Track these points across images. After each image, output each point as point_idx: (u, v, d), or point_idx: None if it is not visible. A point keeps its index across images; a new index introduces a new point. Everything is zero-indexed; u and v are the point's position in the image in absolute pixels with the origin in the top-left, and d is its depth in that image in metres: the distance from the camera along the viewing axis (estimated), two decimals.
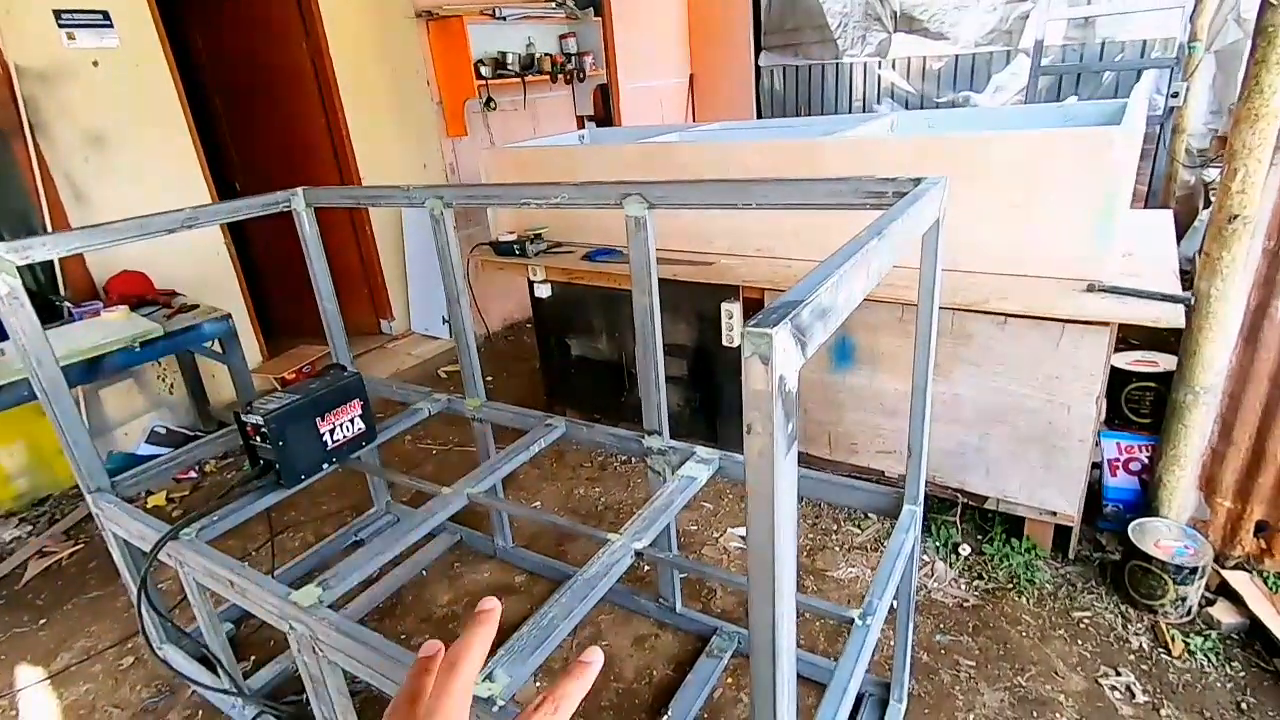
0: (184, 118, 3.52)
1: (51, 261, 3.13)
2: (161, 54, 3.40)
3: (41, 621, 2.49)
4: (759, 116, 6.29)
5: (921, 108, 5.54)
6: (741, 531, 2.57)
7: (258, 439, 1.81)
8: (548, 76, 4.59)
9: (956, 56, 5.34)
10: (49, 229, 3.06)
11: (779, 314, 0.63)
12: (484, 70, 4.15)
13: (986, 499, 2.30)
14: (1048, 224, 2.05)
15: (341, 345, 2.49)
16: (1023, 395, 2.10)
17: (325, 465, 1.93)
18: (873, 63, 5.68)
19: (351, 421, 1.99)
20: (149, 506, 3.18)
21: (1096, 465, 2.34)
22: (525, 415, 2.14)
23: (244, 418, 1.81)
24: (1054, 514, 2.20)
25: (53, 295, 3.16)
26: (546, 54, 4.59)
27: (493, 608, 0.45)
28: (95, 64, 3.19)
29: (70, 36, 3.10)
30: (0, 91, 2.92)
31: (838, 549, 2.44)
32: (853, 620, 1.27)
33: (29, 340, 1.71)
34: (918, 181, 1.27)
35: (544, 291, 3.02)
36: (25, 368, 1.74)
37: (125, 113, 3.30)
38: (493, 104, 4.32)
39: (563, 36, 4.71)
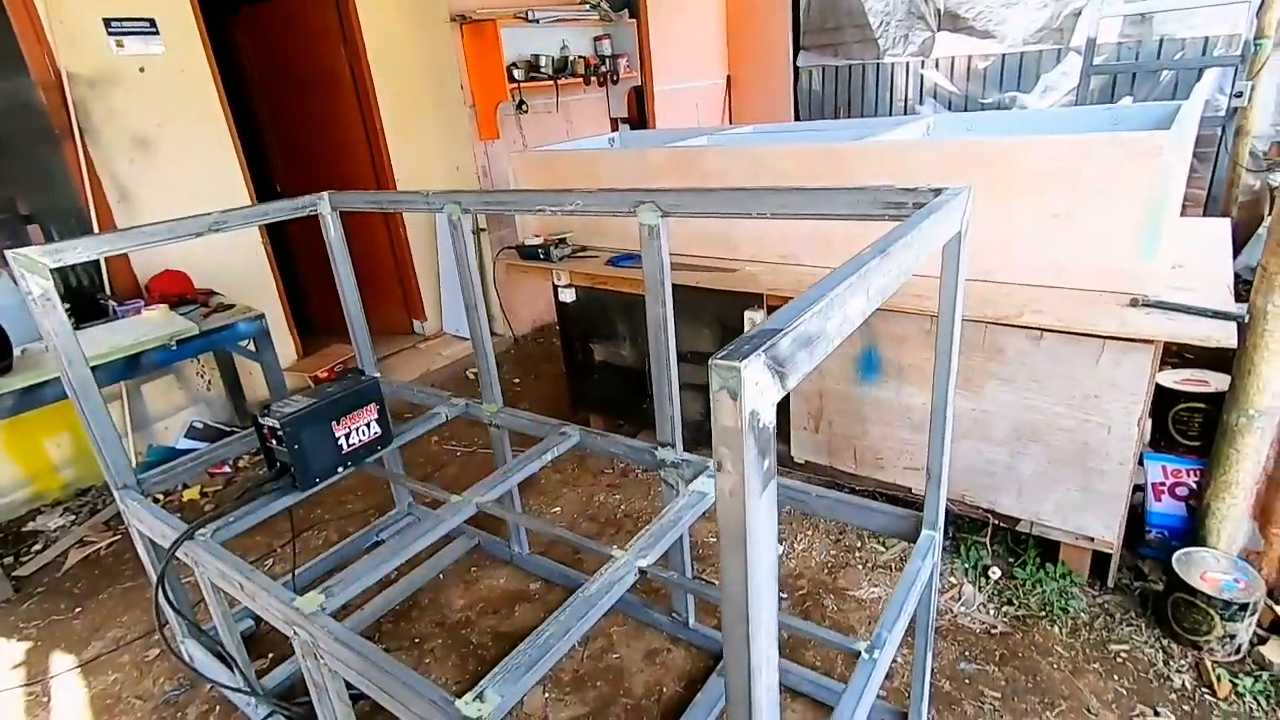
0: (225, 121, 3.61)
1: (98, 261, 3.25)
2: (205, 60, 3.49)
3: (77, 610, 2.57)
4: (797, 118, 6.19)
5: (966, 109, 5.37)
6: None
7: (274, 442, 1.83)
8: (581, 79, 4.58)
9: (1004, 56, 5.16)
10: (95, 227, 3.18)
11: (752, 344, 0.59)
12: (516, 73, 4.16)
13: (1019, 521, 2.19)
14: (1089, 234, 1.95)
15: (365, 348, 2.51)
16: (1058, 414, 1.99)
17: (340, 469, 1.94)
18: (915, 63, 5.53)
19: (368, 425, 2.00)
20: (185, 500, 3.27)
21: (1139, 488, 2.21)
22: (541, 423, 2.12)
23: (261, 420, 1.83)
24: (1091, 539, 2.08)
25: (98, 293, 3.28)
26: (580, 56, 4.58)
27: None
28: (142, 70, 3.30)
29: (119, 44, 3.21)
30: (52, 97, 3.04)
31: (860, 567, 2.36)
32: (859, 653, 1.21)
33: (60, 340, 1.75)
34: (939, 192, 1.20)
35: (568, 296, 3.00)
36: (57, 367, 1.79)
37: (169, 116, 3.40)
38: (525, 107, 4.33)
39: (597, 39, 4.70)
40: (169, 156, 3.43)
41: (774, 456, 0.63)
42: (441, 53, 4.12)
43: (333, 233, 2.34)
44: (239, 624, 2.26)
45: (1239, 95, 3.91)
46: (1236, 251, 3.83)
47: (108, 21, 3.16)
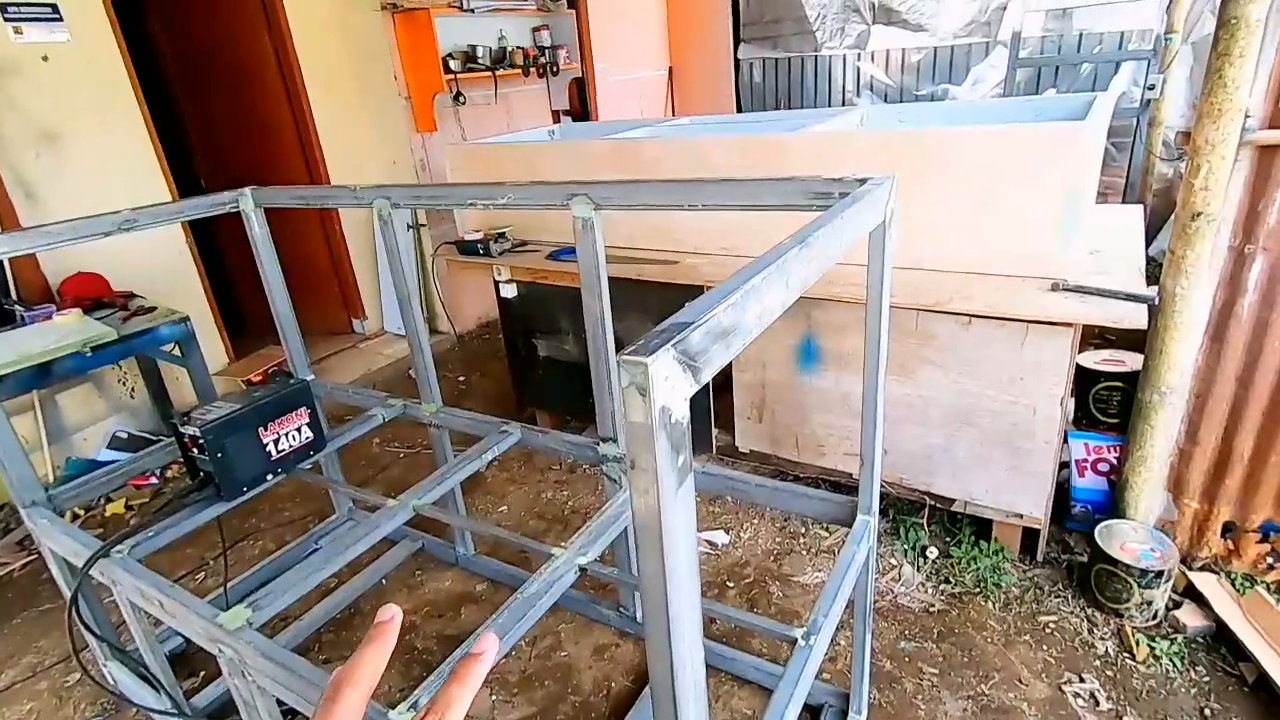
0: (141, 113, 3.42)
1: (1, 263, 3.04)
2: (115, 48, 3.29)
3: (12, 622, 2.42)
4: (739, 109, 6.23)
5: (901, 100, 5.50)
6: (709, 535, 2.53)
7: (195, 451, 1.74)
8: (520, 70, 4.50)
9: (935, 49, 5.30)
10: None
11: (661, 338, 0.58)
12: (453, 64, 4.06)
13: (954, 501, 2.26)
14: (1012, 221, 2.01)
15: (297, 350, 2.42)
16: (988, 397, 2.06)
17: (270, 476, 1.86)
18: (852, 55, 5.63)
19: (298, 430, 1.92)
20: (108, 514, 3.10)
21: (1065, 465, 2.31)
22: (480, 421, 2.08)
23: (181, 429, 1.74)
24: (1021, 516, 2.16)
25: (2, 298, 3.07)
26: (519, 47, 4.51)
27: (390, 618, 0.41)
28: (45, 59, 3.09)
29: (17, 31, 3.00)
30: None
31: (805, 553, 2.40)
32: (795, 640, 1.23)
33: None
34: (864, 181, 1.22)
35: (510, 291, 2.96)
36: None
37: (78, 108, 3.20)
38: (462, 99, 4.23)
39: (536, 29, 4.62)
40: (80, 152, 3.23)
41: (689, 452, 0.62)
42: (373, 42, 3.99)
43: (257, 230, 2.24)
44: (167, 642, 2.16)
45: (1151, 88, 4.10)
46: (1151, 237, 4.03)
47: (3, 7, 2.95)
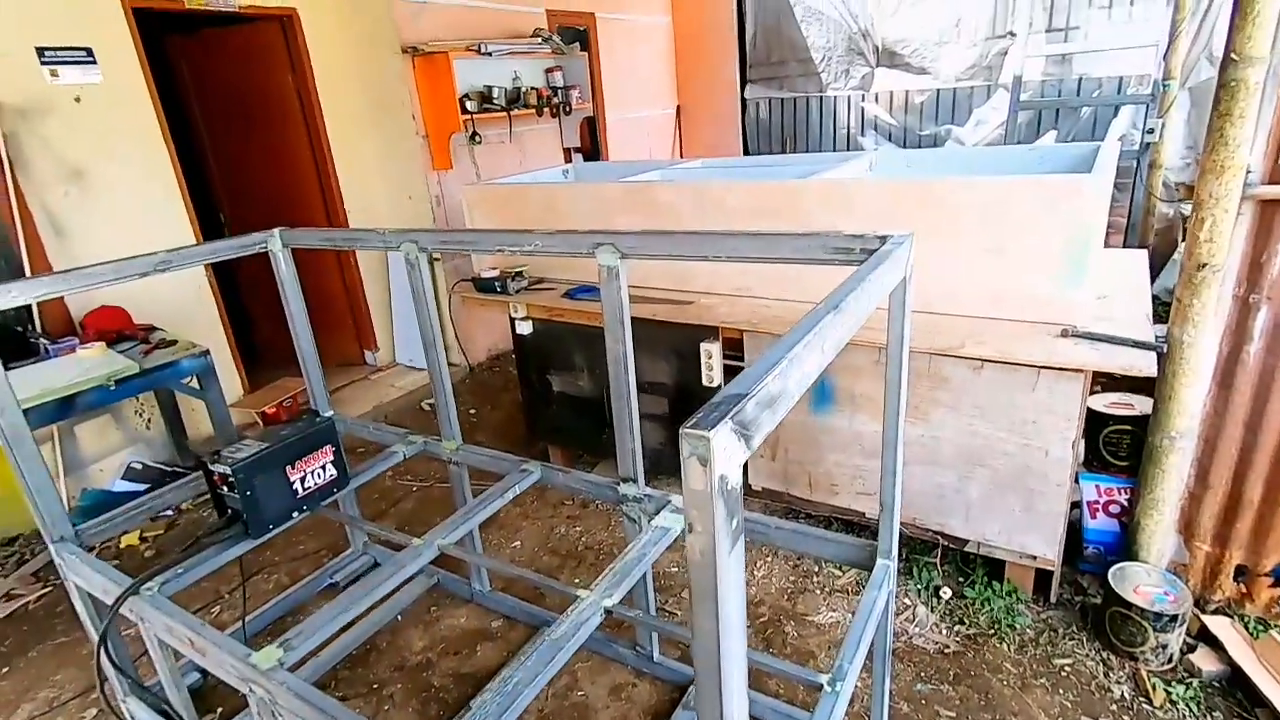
0: (167, 151, 3.51)
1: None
2: (145, 89, 3.40)
3: (4, 670, 2.42)
4: (745, 147, 6.37)
5: (905, 140, 5.62)
6: None
7: (225, 488, 1.78)
8: (534, 110, 4.62)
9: (938, 90, 5.43)
10: (26, 263, 3.04)
11: (720, 412, 0.62)
12: (469, 104, 4.18)
13: (967, 542, 2.28)
14: (1021, 269, 2.07)
15: (319, 386, 2.47)
16: (1000, 439, 2.09)
17: (295, 514, 1.90)
18: (856, 96, 5.77)
19: (323, 468, 1.96)
20: (122, 546, 3.12)
21: (1076, 506, 2.33)
22: (500, 459, 2.11)
23: (211, 466, 1.78)
24: (1034, 558, 2.18)
25: (28, 331, 3.12)
26: (533, 88, 4.63)
27: None
28: (77, 99, 3.19)
29: (53, 73, 3.10)
30: None
31: (819, 592, 2.41)
32: (821, 685, 1.25)
33: None
34: (884, 239, 1.27)
35: (525, 328, 3.01)
36: None
37: (107, 147, 3.30)
38: (478, 138, 4.34)
39: (549, 70, 4.76)
40: (107, 189, 3.31)
41: (741, 515, 0.66)
42: (393, 83, 4.11)
43: (284, 270, 2.30)
44: (185, 678, 2.17)
45: (1150, 131, 4.21)
46: (1154, 275, 4.09)
47: (41, 50, 3.06)
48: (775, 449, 2.54)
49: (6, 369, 3.00)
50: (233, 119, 4.35)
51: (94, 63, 3.22)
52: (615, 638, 2.22)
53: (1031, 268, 2.06)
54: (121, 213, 3.36)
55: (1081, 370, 1.89)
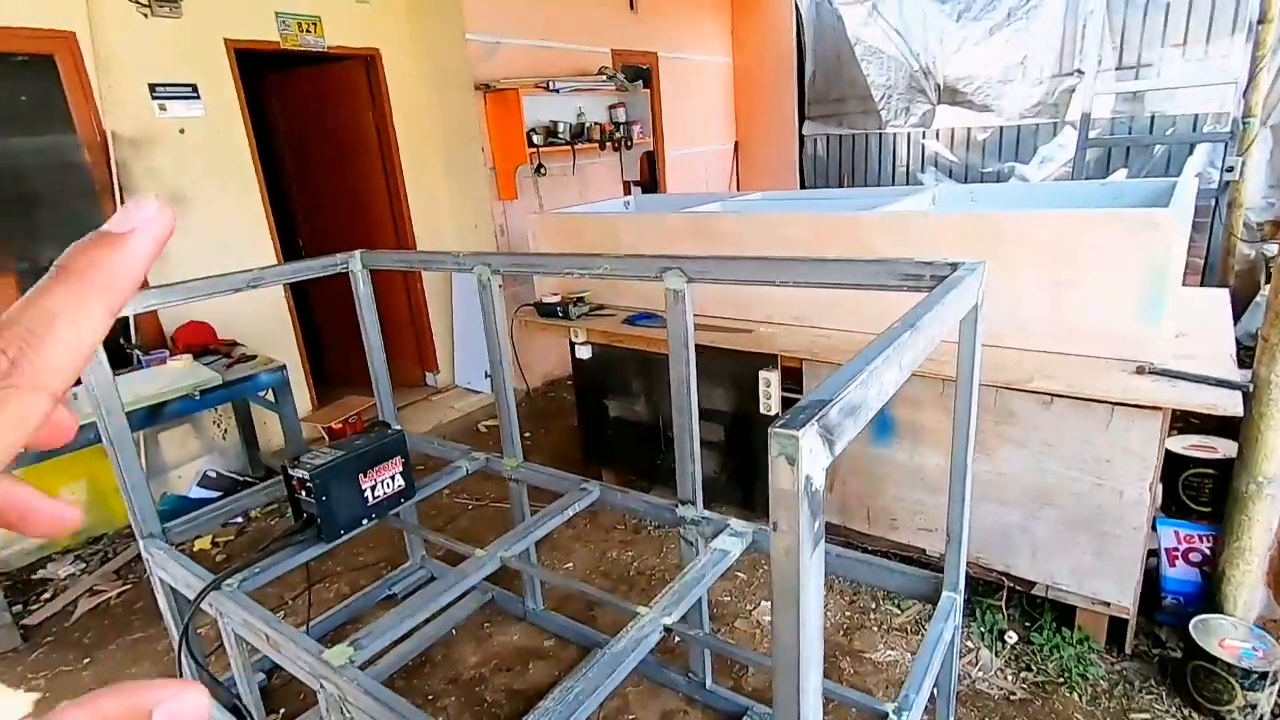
0: (257, 179, 3.76)
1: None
2: (241, 122, 3.67)
3: (85, 661, 2.56)
4: (802, 183, 6.40)
5: (966, 177, 5.56)
6: None
7: (303, 493, 1.86)
8: (597, 144, 4.77)
9: (1001, 128, 5.38)
10: None
11: (807, 414, 0.64)
12: (535, 138, 4.35)
13: (1034, 584, 2.20)
14: (1094, 303, 2.03)
15: (388, 402, 2.57)
16: (1071, 477, 2.03)
17: (365, 520, 1.97)
18: (916, 133, 5.76)
19: (392, 478, 2.03)
20: (194, 550, 3.27)
21: (1154, 553, 2.23)
22: (561, 478, 2.15)
23: (291, 471, 1.87)
24: (1107, 604, 2.09)
25: (124, 342, 3.36)
26: (596, 123, 4.79)
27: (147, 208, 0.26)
28: (182, 131, 3.46)
29: (162, 107, 3.38)
30: (95, 156, 3.18)
31: (876, 629, 2.35)
32: (887, 714, 1.23)
33: (100, 391, 1.81)
34: (955, 266, 1.28)
35: (585, 353, 3.08)
36: (95, 415, 1.84)
37: (204, 174, 3.55)
38: (543, 170, 4.50)
39: (612, 107, 4.92)
40: (202, 213, 3.56)
41: (822, 518, 0.68)
42: (465, 118, 4.32)
43: (362, 290, 2.42)
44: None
45: (1230, 170, 4.07)
46: (1235, 318, 3.91)
47: (153, 86, 3.34)
48: (833, 480, 2.52)
49: None
50: (315, 149, 4.63)
51: (198, 98, 3.49)
52: (667, 663, 2.20)
53: (1106, 302, 2.02)
54: (213, 235, 3.60)
55: (1159, 408, 1.83)
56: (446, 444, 2.48)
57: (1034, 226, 2.09)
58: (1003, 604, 2.29)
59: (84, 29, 3.08)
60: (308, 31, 3.86)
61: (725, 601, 2.55)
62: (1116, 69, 4.85)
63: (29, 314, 0.23)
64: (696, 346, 2.37)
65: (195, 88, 3.49)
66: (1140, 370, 1.93)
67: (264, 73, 4.52)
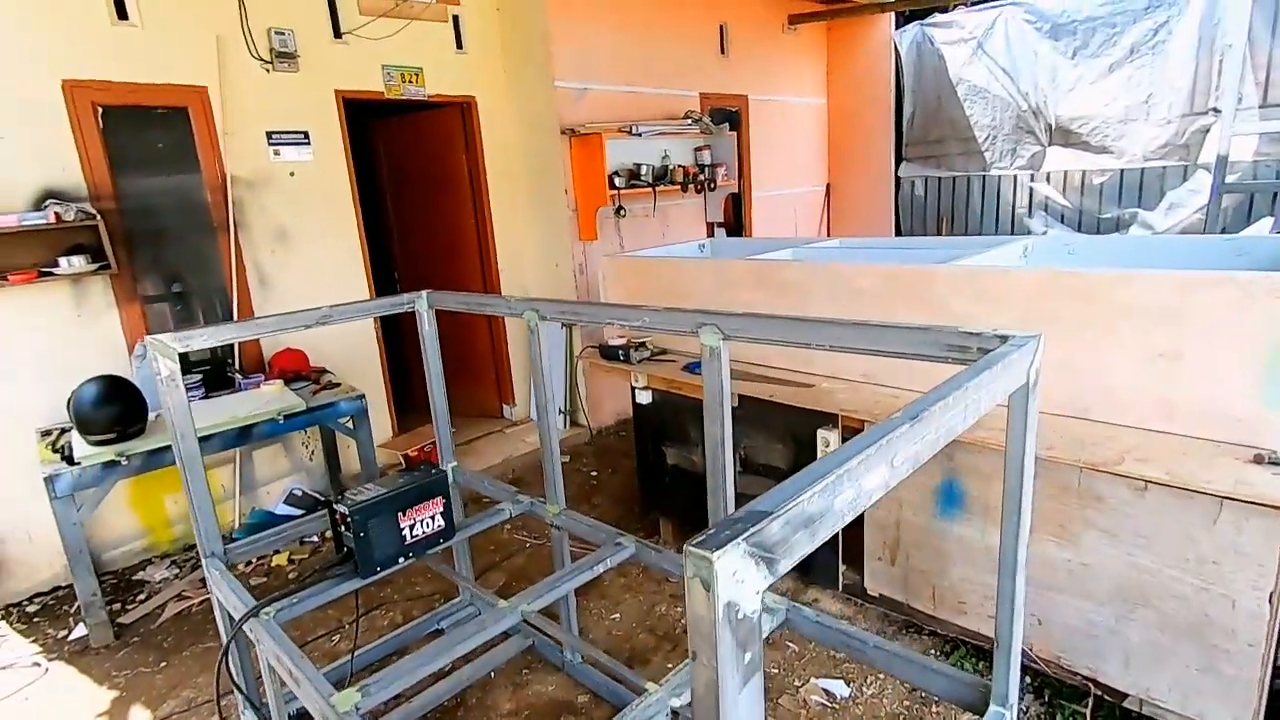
0: (355, 218, 4.03)
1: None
2: (345, 167, 3.95)
3: (162, 664, 2.73)
4: (898, 227, 6.15)
5: (1080, 223, 5.15)
6: (827, 684, 2.32)
7: (344, 528, 1.91)
8: (679, 186, 4.79)
9: (1122, 171, 4.95)
10: (235, 307, 3.58)
11: (734, 530, 0.57)
12: (618, 181, 4.42)
13: (1126, 696, 1.91)
14: (1200, 377, 1.77)
15: (446, 439, 2.62)
16: (1171, 577, 1.76)
17: (401, 559, 2.00)
18: (1024, 176, 5.40)
19: (432, 518, 2.06)
20: (273, 565, 3.45)
21: None
22: (598, 529, 2.11)
23: (335, 506, 1.93)
24: None
25: (228, 366, 3.64)
26: (680, 165, 4.81)
27: None
28: (292, 174, 3.77)
29: (276, 152, 3.70)
30: (215, 196, 3.51)
31: None
32: None
33: (177, 416, 1.95)
34: (1006, 339, 1.14)
35: (645, 398, 3.03)
36: (170, 438, 1.98)
37: (308, 213, 3.84)
38: (623, 211, 4.56)
39: (697, 149, 4.93)
40: (303, 248, 3.84)
41: (759, 648, 0.59)
42: (551, 161, 4.46)
43: (427, 329, 2.50)
44: (293, 703, 2.31)
45: None
46: None
47: (270, 134, 3.66)
48: (895, 553, 2.32)
49: (208, 396, 3.46)
50: (414, 190, 4.92)
51: (308, 143, 3.79)
52: None
53: (1217, 378, 1.76)
54: (314, 268, 3.88)
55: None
56: (497, 484, 2.49)
57: (1131, 288, 1.87)
58: (1088, 713, 2.01)
59: (214, 84, 3.43)
60: (410, 82, 4.13)
61: (771, 674, 2.39)
62: (1261, 107, 4.37)
63: None
64: (754, 400, 2.28)
65: (307, 134, 3.80)
66: (1258, 459, 1.66)
67: (373, 119, 4.88)
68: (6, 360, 3.07)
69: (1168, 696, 1.84)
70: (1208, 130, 4.54)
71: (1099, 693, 1.96)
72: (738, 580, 0.56)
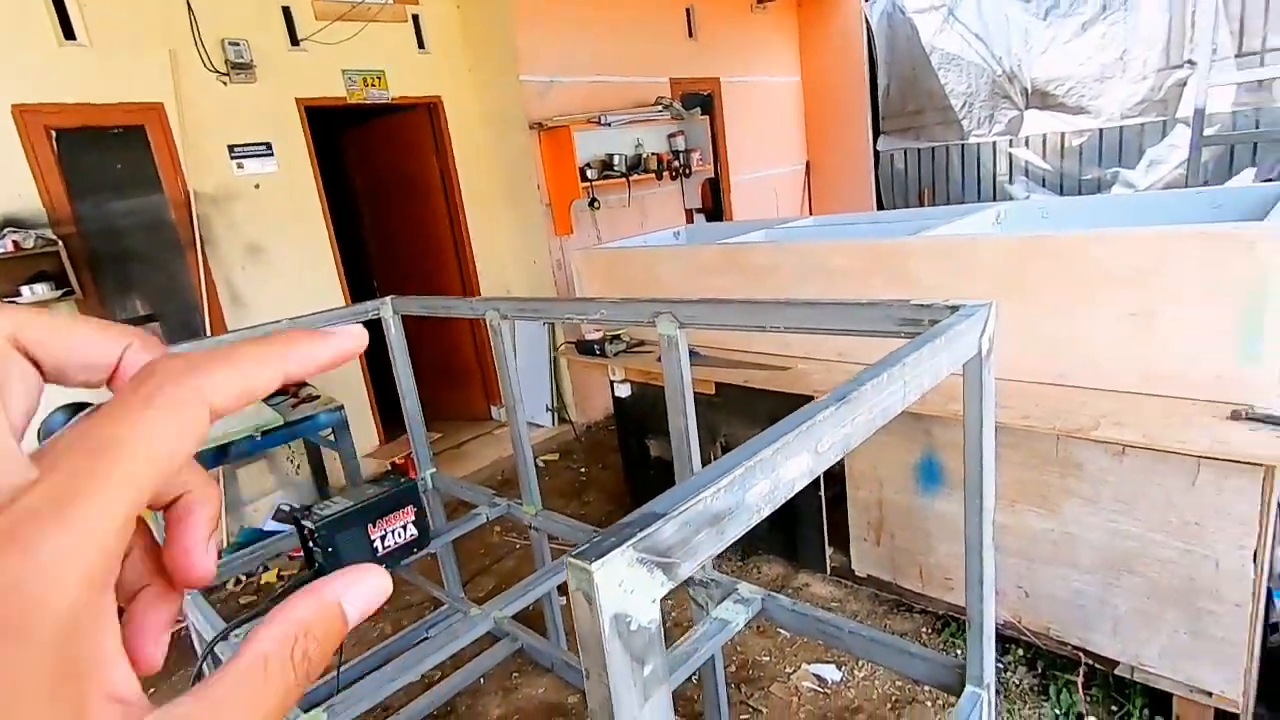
0: (326, 229, 3.97)
1: None
2: (312, 176, 3.89)
3: (150, 690, 2.69)
4: (879, 200, 6.09)
5: (1061, 186, 5.09)
6: (820, 669, 2.29)
7: (312, 543, 1.88)
8: (654, 174, 4.73)
9: (1100, 130, 4.89)
10: (208, 327, 3.53)
11: (619, 537, 0.52)
12: (590, 173, 4.36)
13: (1117, 664, 1.88)
14: (1178, 338, 1.73)
15: (423, 447, 2.58)
16: (1154, 541, 1.72)
17: None
18: (1003, 142, 5.34)
19: (404, 528, 2.01)
20: (263, 582, 3.42)
21: (1276, 628, 1.85)
22: (577, 528, 2.07)
23: (302, 521, 1.89)
24: (1209, 694, 1.75)
25: None
26: (654, 153, 4.75)
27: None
28: (257, 186, 3.71)
29: (239, 166, 3.64)
30: (180, 213, 3.46)
31: (930, 705, 2.10)
32: None
33: None
34: (955, 309, 1.10)
35: (623, 391, 2.99)
36: None
37: (278, 227, 3.78)
38: (596, 204, 4.50)
39: (671, 135, 4.87)
40: (276, 262, 3.79)
41: (660, 660, 0.55)
42: (521, 157, 4.40)
43: (393, 335, 2.46)
44: None
45: None
46: None
47: (231, 147, 3.60)
48: (880, 532, 2.29)
49: None
50: (386, 196, 4.87)
51: (271, 155, 3.73)
52: None
53: (1193, 336, 1.72)
54: (288, 282, 3.82)
55: (1260, 464, 1.52)
56: (474, 488, 2.45)
57: (1102, 248, 1.82)
58: (1079, 683, 1.98)
59: (170, 99, 3.37)
60: (372, 85, 4.06)
61: (764, 662, 2.36)
62: (1237, 56, 4.30)
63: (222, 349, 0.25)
64: (733, 386, 2.22)
65: (269, 145, 3.74)
66: (1236, 415, 1.62)
67: (343, 127, 4.82)
68: None
69: (1158, 662, 1.81)
70: (1184, 83, 4.47)
71: (1090, 662, 1.93)
72: (626, 591, 0.51)
